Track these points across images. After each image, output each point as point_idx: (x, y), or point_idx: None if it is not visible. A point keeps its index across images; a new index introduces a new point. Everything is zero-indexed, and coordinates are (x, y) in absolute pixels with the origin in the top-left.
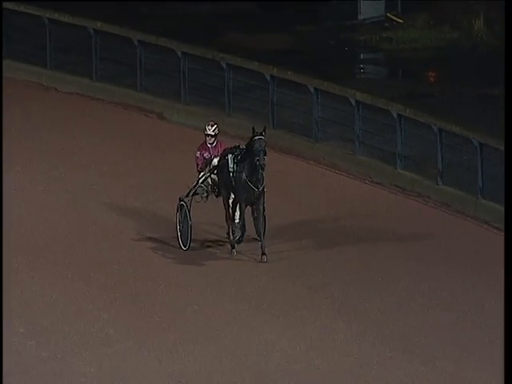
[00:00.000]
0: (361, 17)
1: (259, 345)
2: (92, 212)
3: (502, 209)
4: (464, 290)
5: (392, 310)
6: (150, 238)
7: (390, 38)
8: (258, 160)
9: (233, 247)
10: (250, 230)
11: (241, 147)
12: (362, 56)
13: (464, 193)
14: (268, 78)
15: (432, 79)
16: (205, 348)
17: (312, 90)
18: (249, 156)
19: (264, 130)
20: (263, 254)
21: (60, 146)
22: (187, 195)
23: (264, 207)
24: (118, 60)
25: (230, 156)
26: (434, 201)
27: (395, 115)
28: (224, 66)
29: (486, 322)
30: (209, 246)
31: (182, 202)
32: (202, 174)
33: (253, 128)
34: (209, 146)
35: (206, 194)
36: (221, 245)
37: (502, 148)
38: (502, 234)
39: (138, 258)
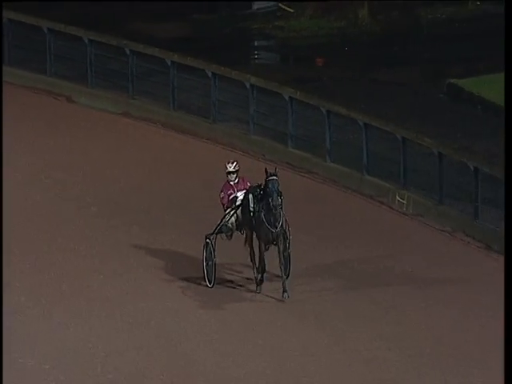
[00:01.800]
0: (254, 6)
1: (162, 312)
2: (4, 188)
3: (386, 184)
4: (350, 257)
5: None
6: (57, 212)
7: (281, 26)
8: (271, 200)
9: (257, 285)
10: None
11: (262, 187)
12: (256, 43)
13: (350, 169)
14: (169, 63)
15: (320, 64)
16: (110, 315)
17: (210, 74)
18: (265, 196)
19: (276, 171)
20: (284, 291)
21: None
22: (212, 233)
23: (288, 245)
24: (28, 47)
25: (250, 196)
26: (323, 177)
27: (287, 98)
28: (127, 52)
29: (371, 287)
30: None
31: (207, 240)
32: (227, 211)
33: (265, 169)
34: (232, 183)
35: (230, 233)
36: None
37: (385, 128)
38: (385, 207)
39: (48, 229)
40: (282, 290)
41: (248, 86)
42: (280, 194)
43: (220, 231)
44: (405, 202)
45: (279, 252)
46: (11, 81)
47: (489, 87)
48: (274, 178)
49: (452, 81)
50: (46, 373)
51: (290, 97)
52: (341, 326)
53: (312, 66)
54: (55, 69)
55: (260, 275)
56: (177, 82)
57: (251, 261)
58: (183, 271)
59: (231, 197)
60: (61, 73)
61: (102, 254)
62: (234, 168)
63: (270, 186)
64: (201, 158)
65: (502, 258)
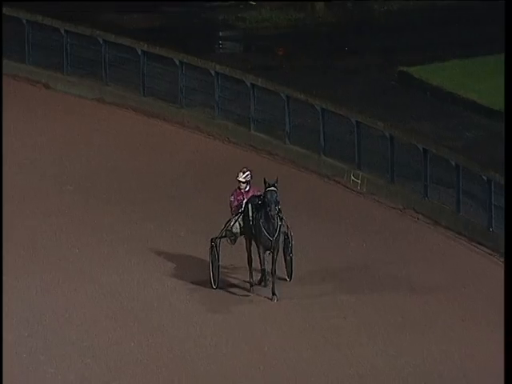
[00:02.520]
0: None
1: (132, 284)
2: None
3: (341, 165)
4: (308, 233)
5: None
6: (35, 190)
7: (244, 17)
8: (269, 210)
9: (251, 286)
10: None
11: (262, 197)
12: (220, 33)
13: (308, 151)
14: (139, 52)
15: (281, 53)
16: (85, 286)
17: (177, 62)
18: (263, 206)
19: (276, 181)
20: (273, 294)
21: None
22: (217, 237)
23: (290, 250)
24: (8, 37)
25: (249, 205)
26: (282, 158)
27: (249, 84)
28: (101, 41)
29: (327, 261)
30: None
31: (212, 243)
32: (232, 217)
33: (264, 180)
34: (242, 191)
35: (233, 237)
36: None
37: (340, 112)
38: (341, 186)
39: (26, 206)
40: (271, 293)
41: (213, 73)
42: (278, 204)
43: (224, 236)
44: (359, 181)
45: (273, 258)
46: None
47: (437, 74)
48: (273, 188)
49: (403, 68)
50: (25, 340)
51: (252, 83)
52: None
53: (273, 54)
54: (33, 57)
55: (262, 278)
56: (147, 69)
57: (248, 265)
58: (156, 245)
59: (240, 203)
60: (39, 61)
61: (77, 228)
62: (244, 178)
63: (268, 196)
64: (169, 140)
65: (449, 233)
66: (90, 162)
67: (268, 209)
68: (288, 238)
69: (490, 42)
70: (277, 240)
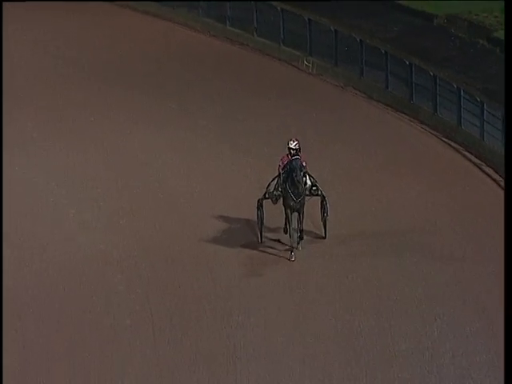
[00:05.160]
0: None
1: (133, 146)
2: (16, 57)
3: (296, 52)
4: (269, 105)
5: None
6: (60, 73)
7: None
8: (295, 176)
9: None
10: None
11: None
12: None
13: (271, 42)
14: None
15: None
16: (100, 148)
17: None
18: (290, 172)
19: (299, 150)
20: (292, 251)
21: None
22: (263, 198)
23: (326, 209)
24: None
25: (281, 172)
26: (252, 48)
27: None
28: None
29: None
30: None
31: (259, 202)
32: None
33: (289, 148)
34: (290, 157)
35: (274, 198)
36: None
37: (296, 11)
38: (296, 69)
39: (52, 85)
40: (290, 252)
41: None
42: (302, 170)
43: (267, 197)
44: (310, 64)
45: (298, 219)
46: None
47: None
48: (297, 156)
49: None
50: (52, 188)
51: None
52: None
53: None
54: None
55: (289, 234)
56: None
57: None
58: (152, 115)
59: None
60: None
61: (92, 103)
62: (294, 146)
63: (293, 163)
64: (163, 34)
65: (380, 105)
66: (102, 52)
67: (294, 174)
68: (325, 201)
69: None
70: (301, 203)
